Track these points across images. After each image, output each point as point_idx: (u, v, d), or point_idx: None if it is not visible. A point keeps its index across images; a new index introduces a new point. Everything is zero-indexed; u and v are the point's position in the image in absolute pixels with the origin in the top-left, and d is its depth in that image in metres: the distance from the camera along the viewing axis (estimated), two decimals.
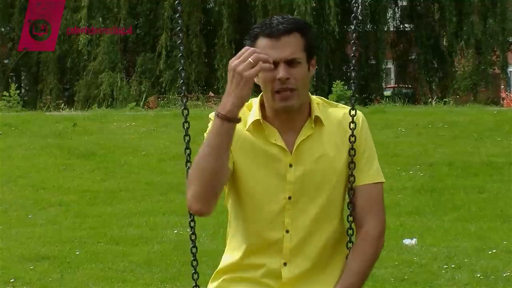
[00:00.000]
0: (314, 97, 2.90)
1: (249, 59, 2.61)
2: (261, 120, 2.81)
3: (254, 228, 2.83)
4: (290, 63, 2.73)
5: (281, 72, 2.72)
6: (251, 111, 2.84)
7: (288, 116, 2.81)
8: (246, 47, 2.66)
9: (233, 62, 2.62)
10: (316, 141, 2.82)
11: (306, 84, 2.78)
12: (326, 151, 2.82)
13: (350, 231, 2.86)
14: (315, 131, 2.82)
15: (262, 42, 2.74)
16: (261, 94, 2.85)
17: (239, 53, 2.64)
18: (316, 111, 2.83)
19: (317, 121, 2.83)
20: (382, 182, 2.88)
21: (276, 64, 2.72)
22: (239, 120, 2.66)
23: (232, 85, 2.62)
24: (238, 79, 2.61)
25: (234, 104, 2.62)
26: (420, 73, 28.26)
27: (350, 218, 2.86)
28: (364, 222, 2.82)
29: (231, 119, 2.63)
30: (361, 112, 2.89)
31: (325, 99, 2.93)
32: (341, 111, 2.88)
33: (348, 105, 2.92)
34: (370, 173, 2.85)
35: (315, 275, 2.83)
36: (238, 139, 2.79)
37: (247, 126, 2.82)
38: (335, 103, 2.93)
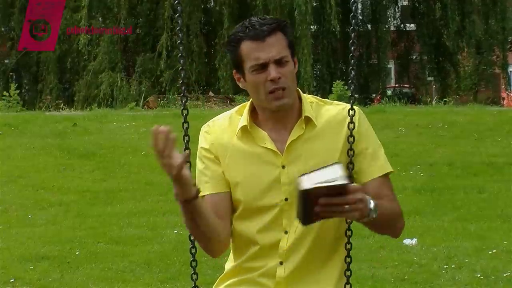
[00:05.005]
0: (307, 96, 2.89)
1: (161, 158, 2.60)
2: (248, 126, 2.83)
3: (255, 232, 2.83)
4: (279, 62, 2.75)
5: (272, 72, 2.74)
6: (242, 116, 2.86)
7: (280, 116, 2.81)
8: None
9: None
10: (307, 141, 2.81)
11: (294, 81, 2.82)
12: (318, 150, 2.81)
13: (348, 232, 2.84)
14: (306, 131, 2.82)
15: (247, 45, 2.77)
16: (251, 98, 2.86)
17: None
18: (307, 111, 2.83)
19: (308, 121, 2.82)
20: (390, 172, 2.87)
21: (265, 65, 2.75)
22: (196, 196, 2.70)
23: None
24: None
25: (179, 190, 2.68)
26: (421, 72, 28.25)
27: (349, 220, 2.83)
28: None
29: (187, 200, 2.70)
30: (358, 107, 2.86)
31: (319, 97, 2.93)
32: (336, 108, 2.87)
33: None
34: (378, 165, 2.84)
35: (311, 275, 2.82)
36: (228, 150, 2.84)
37: (237, 133, 2.84)
38: (330, 101, 2.92)
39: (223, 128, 2.87)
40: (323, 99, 2.92)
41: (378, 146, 2.86)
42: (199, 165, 2.89)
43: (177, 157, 2.60)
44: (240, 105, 2.91)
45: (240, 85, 2.84)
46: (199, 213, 2.74)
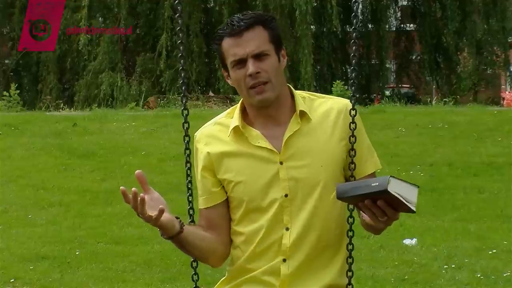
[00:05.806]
0: (298, 91, 2.88)
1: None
2: (240, 126, 2.81)
3: (257, 230, 2.82)
4: (258, 56, 2.74)
5: (250, 67, 2.73)
6: (233, 117, 2.85)
7: (270, 112, 2.80)
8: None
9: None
10: (304, 135, 2.80)
11: (279, 75, 2.78)
12: (315, 144, 2.80)
13: (350, 233, 2.83)
14: (302, 125, 2.80)
15: (226, 42, 2.77)
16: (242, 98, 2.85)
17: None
18: (301, 106, 2.81)
19: (303, 115, 2.81)
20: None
21: (244, 60, 2.74)
22: (181, 231, 2.78)
23: None
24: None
25: (162, 231, 2.78)
26: (421, 72, 28.24)
27: (351, 220, 2.82)
28: None
29: (172, 237, 2.78)
30: (348, 101, 2.85)
31: (311, 92, 2.91)
32: (329, 102, 2.86)
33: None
34: (373, 161, 2.86)
35: (315, 272, 2.81)
36: (222, 154, 2.82)
37: (229, 134, 2.83)
38: (321, 95, 2.91)
39: (214, 133, 2.86)
40: (314, 93, 2.91)
41: (369, 141, 2.88)
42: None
43: (154, 206, 2.76)
44: (230, 109, 2.89)
45: (229, 82, 2.83)
46: (188, 243, 2.81)
